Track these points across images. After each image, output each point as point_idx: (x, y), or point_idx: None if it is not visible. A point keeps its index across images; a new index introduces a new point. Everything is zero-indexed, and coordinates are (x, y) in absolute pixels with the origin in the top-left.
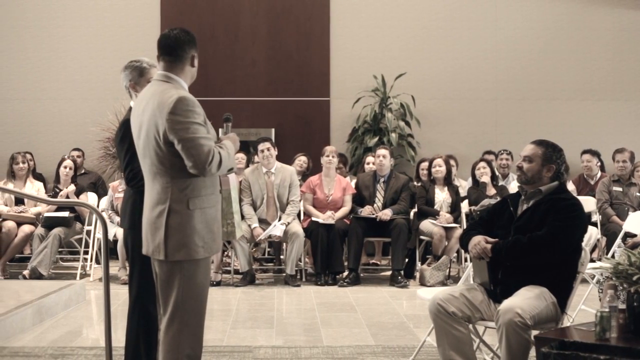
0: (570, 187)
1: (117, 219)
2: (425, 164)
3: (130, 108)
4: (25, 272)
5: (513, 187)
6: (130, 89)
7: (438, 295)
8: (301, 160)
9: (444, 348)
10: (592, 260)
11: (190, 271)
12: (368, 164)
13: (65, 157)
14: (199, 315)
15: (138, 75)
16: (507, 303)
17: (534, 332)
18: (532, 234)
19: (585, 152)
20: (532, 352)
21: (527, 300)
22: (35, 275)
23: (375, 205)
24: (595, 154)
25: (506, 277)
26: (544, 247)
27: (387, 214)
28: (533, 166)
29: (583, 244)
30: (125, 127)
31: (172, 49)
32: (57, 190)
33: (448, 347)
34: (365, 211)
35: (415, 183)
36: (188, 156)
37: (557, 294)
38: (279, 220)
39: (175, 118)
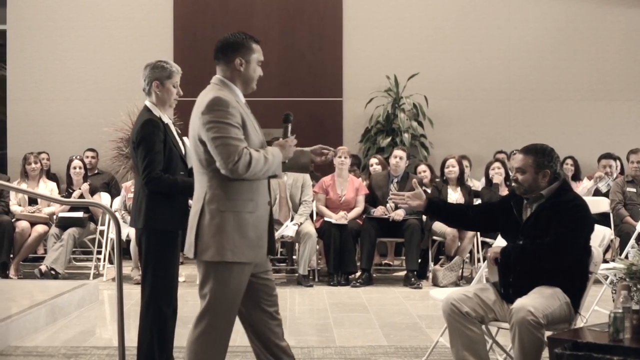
0: (587, 182)
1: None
2: (421, 167)
3: (146, 107)
4: (43, 267)
5: None
6: (154, 87)
7: (452, 296)
8: None
9: (458, 348)
10: (605, 261)
11: (224, 275)
12: (372, 165)
13: (74, 157)
14: (227, 321)
15: (166, 77)
16: (520, 302)
17: (547, 333)
18: (539, 240)
19: (604, 157)
20: (545, 353)
21: (540, 299)
22: (52, 274)
23: (388, 205)
24: (615, 158)
25: (518, 279)
26: (551, 254)
27: (400, 215)
28: (527, 177)
29: (596, 244)
30: (146, 128)
31: (216, 53)
32: (71, 191)
33: (461, 348)
34: (378, 211)
35: (426, 189)
36: (215, 155)
37: (570, 294)
38: (292, 220)
39: (206, 117)
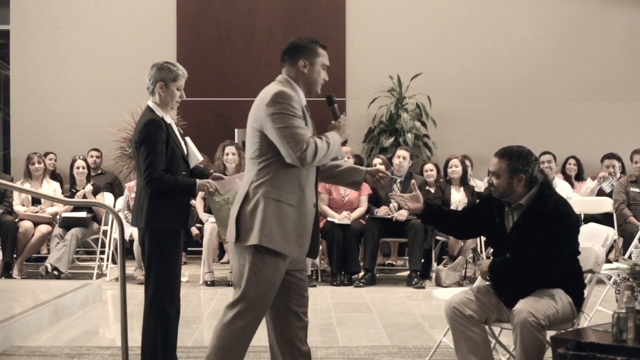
0: (590, 183)
1: None
2: (428, 166)
3: (149, 107)
4: (47, 265)
5: None
6: (158, 88)
7: (454, 299)
8: None
9: (462, 352)
10: (608, 261)
11: (260, 262)
12: (375, 165)
13: (77, 157)
14: (258, 311)
15: (171, 80)
16: (521, 304)
17: (551, 333)
18: (525, 257)
19: (608, 157)
20: (549, 354)
21: (541, 300)
22: (55, 273)
23: (391, 205)
24: (618, 158)
25: (514, 289)
26: (538, 270)
27: (403, 215)
28: (501, 181)
29: (600, 244)
30: (149, 128)
31: (283, 55)
32: (74, 191)
33: (466, 351)
34: (381, 212)
35: (429, 188)
36: (282, 145)
37: (571, 294)
38: None
39: (270, 109)
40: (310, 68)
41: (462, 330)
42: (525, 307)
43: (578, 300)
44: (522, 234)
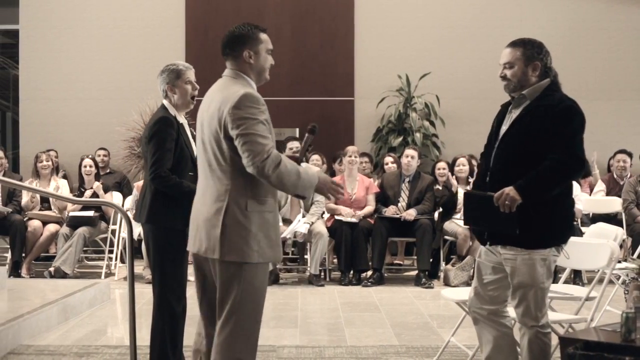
0: (601, 186)
1: None
2: (441, 164)
3: (163, 105)
4: (51, 269)
5: None
6: (168, 91)
7: (471, 308)
8: (313, 159)
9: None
10: (617, 261)
11: (250, 274)
12: (387, 164)
13: (85, 157)
14: (254, 320)
15: (175, 78)
16: (518, 315)
17: (560, 331)
18: (553, 158)
19: (620, 151)
20: (557, 353)
21: (529, 301)
22: (60, 274)
23: (399, 205)
24: (630, 155)
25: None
26: (571, 169)
27: (411, 214)
28: (516, 71)
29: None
30: (159, 125)
31: (223, 48)
32: (82, 190)
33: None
34: (390, 211)
35: (438, 187)
36: (243, 152)
37: (556, 224)
38: (303, 217)
39: (237, 113)
40: (256, 57)
41: (490, 330)
42: (523, 318)
43: (563, 231)
44: (521, 128)
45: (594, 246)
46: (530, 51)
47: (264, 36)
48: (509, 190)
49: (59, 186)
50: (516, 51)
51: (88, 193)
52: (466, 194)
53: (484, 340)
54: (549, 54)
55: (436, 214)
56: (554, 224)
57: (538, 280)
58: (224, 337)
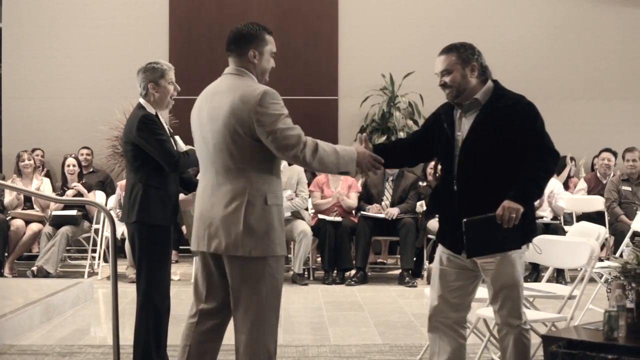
0: (583, 184)
1: None
2: (432, 163)
3: (140, 105)
4: (34, 268)
5: None
6: (150, 89)
7: (434, 317)
8: None
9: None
10: (600, 260)
11: (274, 268)
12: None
13: (68, 155)
14: (277, 313)
15: (159, 77)
16: (498, 316)
17: (543, 329)
18: (532, 158)
19: (605, 150)
20: (540, 352)
21: (508, 300)
22: (42, 274)
23: (383, 203)
24: (614, 154)
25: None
26: (551, 163)
27: (393, 213)
28: (455, 75)
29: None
30: (147, 121)
31: (228, 44)
32: (65, 189)
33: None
34: (373, 209)
35: (421, 183)
36: (279, 148)
37: (527, 222)
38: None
39: (263, 111)
40: (260, 57)
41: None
42: (510, 319)
43: (533, 221)
44: (483, 133)
45: (575, 245)
46: (465, 54)
47: (269, 38)
48: (508, 203)
49: (41, 186)
50: (451, 56)
51: (70, 192)
52: (468, 223)
53: (441, 350)
54: (481, 54)
55: (418, 205)
56: (526, 222)
57: (518, 279)
58: (256, 336)
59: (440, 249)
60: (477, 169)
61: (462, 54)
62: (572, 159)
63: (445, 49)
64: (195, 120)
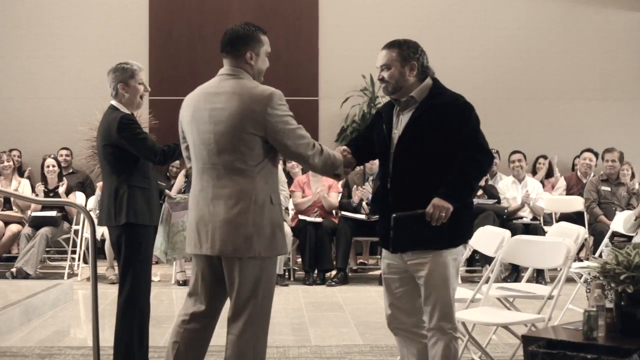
0: (562, 183)
1: None
2: None
3: (113, 106)
4: (13, 270)
5: (501, 186)
6: (120, 89)
7: (390, 325)
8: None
9: None
10: (579, 260)
11: (270, 269)
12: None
13: (47, 156)
14: (269, 317)
15: (129, 77)
16: (436, 322)
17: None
18: (464, 157)
19: (587, 150)
20: (520, 352)
21: (447, 304)
22: (22, 275)
23: (363, 203)
24: (596, 154)
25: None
26: (484, 163)
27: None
28: (393, 72)
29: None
30: (125, 121)
31: (224, 45)
32: (46, 190)
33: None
34: (356, 195)
35: None
36: (290, 147)
37: (464, 222)
38: None
39: (274, 112)
40: (256, 59)
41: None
42: (442, 323)
43: (470, 222)
44: (417, 130)
45: (551, 245)
46: (406, 52)
47: (265, 38)
48: (438, 201)
49: (20, 187)
50: (392, 52)
51: (39, 192)
52: (396, 218)
53: (408, 352)
54: (425, 54)
55: None
56: (463, 222)
57: (451, 282)
58: (248, 338)
59: (383, 255)
60: (410, 166)
61: (404, 52)
62: (543, 157)
63: (388, 44)
64: (189, 122)
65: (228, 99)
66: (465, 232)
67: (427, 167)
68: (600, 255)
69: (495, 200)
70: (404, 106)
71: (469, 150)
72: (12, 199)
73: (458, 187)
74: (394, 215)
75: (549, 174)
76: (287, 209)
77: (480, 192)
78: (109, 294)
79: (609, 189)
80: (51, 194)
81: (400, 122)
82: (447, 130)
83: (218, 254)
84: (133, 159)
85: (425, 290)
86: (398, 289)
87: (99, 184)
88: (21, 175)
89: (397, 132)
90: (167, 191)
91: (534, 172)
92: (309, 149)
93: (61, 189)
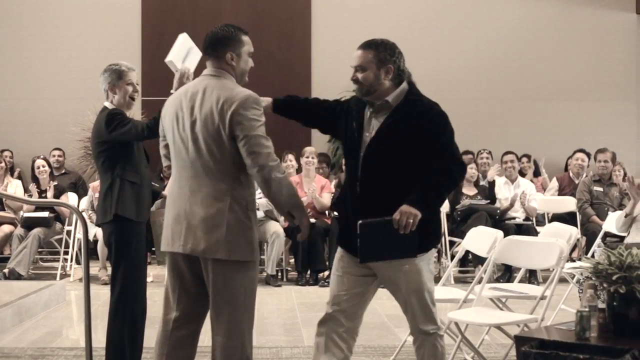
0: (554, 184)
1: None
2: None
3: (104, 107)
4: (5, 270)
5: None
6: (109, 91)
7: (328, 328)
8: (289, 158)
9: None
10: (572, 260)
11: (252, 272)
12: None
13: (37, 157)
14: (253, 315)
15: (117, 78)
16: (420, 325)
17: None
18: (438, 166)
19: (579, 151)
20: (512, 352)
21: (428, 305)
22: (14, 276)
23: None
24: (588, 155)
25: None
26: (457, 174)
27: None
28: (368, 74)
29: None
30: (114, 115)
31: (205, 48)
32: (38, 191)
33: None
34: None
35: None
36: (250, 153)
37: (434, 227)
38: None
39: (245, 114)
40: (238, 59)
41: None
42: (425, 325)
43: (439, 226)
44: (390, 136)
45: (543, 245)
46: (383, 54)
47: (246, 38)
48: (406, 208)
49: (12, 187)
50: (368, 54)
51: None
52: (362, 225)
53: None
54: (402, 56)
55: None
56: (433, 227)
57: (426, 285)
58: (236, 340)
59: (339, 253)
60: (380, 171)
61: (380, 54)
62: (526, 156)
63: (364, 44)
64: (171, 120)
65: (205, 98)
66: (434, 237)
67: (397, 174)
68: (593, 256)
69: (488, 201)
70: (378, 109)
71: (443, 160)
72: (4, 200)
73: (429, 195)
74: (360, 222)
75: (536, 173)
76: None
77: (474, 192)
78: (102, 295)
79: (601, 189)
80: (43, 195)
81: (373, 126)
82: (421, 139)
83: (190, 253)
84: (125, 153)
85: (401, 299)
86: (353, 289)
87: (92, 185)
88: (12, 175)
89: (368, 135)
90: (163, 192)
91: (521, 173)
92: (269, 159)
93: (49, 194)
